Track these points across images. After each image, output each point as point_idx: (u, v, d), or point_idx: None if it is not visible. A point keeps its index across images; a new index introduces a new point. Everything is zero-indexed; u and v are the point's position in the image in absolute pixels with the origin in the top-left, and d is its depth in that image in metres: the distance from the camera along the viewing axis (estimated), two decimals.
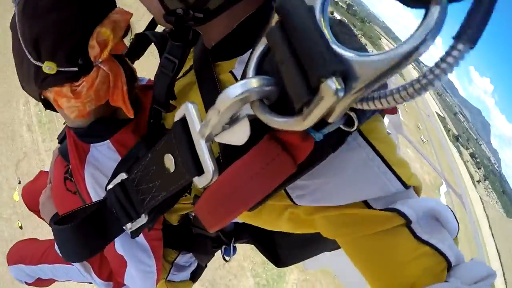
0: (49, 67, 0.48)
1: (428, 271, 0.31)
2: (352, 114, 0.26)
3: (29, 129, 16.38)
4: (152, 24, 0.56)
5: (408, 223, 0.32)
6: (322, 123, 0.24)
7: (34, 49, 0.48)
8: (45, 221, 0.90)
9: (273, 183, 0.28)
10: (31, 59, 0.49)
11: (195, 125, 0.29)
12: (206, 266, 0.92)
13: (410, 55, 0.17)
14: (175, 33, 0.43)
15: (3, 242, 11.78)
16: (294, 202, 0.36)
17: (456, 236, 0.36)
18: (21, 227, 11.87)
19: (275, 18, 0.23)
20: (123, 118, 0.60)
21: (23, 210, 12.13)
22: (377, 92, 0.20)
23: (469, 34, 0.16)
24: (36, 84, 0.52)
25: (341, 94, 0.19)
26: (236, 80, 0.39)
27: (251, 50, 0.27)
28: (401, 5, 0.19)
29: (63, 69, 0.48)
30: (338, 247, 0.41)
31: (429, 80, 0.17)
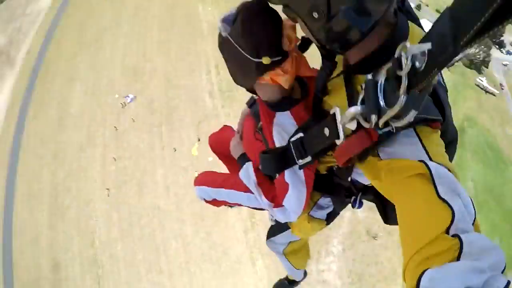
0: (266, 60, 0.83)
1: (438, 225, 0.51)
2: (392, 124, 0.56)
3: (211, 96, 16.38)
4: None
5: (430, 173, 0.56)
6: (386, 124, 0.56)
7: (254, 52, 0.83)
8: (228, 166, 1.58)
9: (364, 145, 0.63)
10: (252, 59, 0.83)
11: (338, 118, 0.66)
12: (338, 213, 1.27)
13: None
14: (325, 56, 0.76)
15: (177, 187, 11.35)
16: (380, 157, 0.68)
17: (474, 220, 0.54)
18: None
19: (392, 61, 0.52)
20: (296, 97, 0.99)
21: (199, 163, 11.45)
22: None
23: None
24: (256, 74, 0.88)
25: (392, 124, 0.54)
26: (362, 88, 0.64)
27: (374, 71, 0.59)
28: None
29: (273, 59, 0.84)
30: None
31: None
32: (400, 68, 0.49)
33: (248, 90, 1.04)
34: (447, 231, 0.50)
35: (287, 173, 1.00)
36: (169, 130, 17.41)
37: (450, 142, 0.79)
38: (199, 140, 16.35)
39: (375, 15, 0.61)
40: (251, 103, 1.23)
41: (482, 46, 29.59)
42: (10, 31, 39.86)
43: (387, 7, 0.62)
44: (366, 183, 1.01)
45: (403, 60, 0.48)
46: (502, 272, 0.45)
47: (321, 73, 0.81)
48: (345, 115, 0.63)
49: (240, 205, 1.38)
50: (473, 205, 0.56)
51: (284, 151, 0.88)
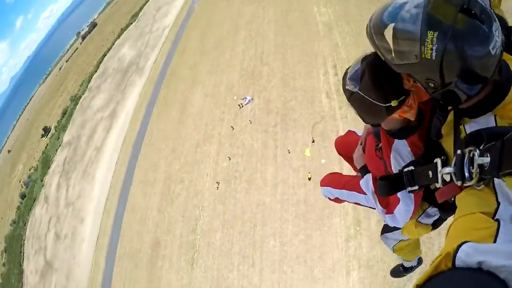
0: (395, 103, 1.52)
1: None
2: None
3: (328, 96, 24.41)
4: None
5: (493, 184, 1.07)
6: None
7: (383, 99, 1.54)
8: (353, 167, 2.66)
9: (455, 193, 1.26)
10: (382, 105, 1.56)
11: (438, 168, 1.28)
12: (445, 220, 2.04)
13: None
14: (440, 107, 1.51)
15: (286, 186, 19.32)
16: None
17: None
18: (309, 179, 18.76)
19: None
20: (413, 125, 1.72)
21: (311, 164, 18.91)
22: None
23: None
24: (387, 115, 1.62)
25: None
26: (465, 131, 1.35)
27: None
28: None
29: (399, 99, 1.53)
30: None
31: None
32: (472, 165, 1.03)
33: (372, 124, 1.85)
34: (491, 217, 0.93)
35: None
36: (284, 131, 24.25)
37: None
38: (313, 141, 22.22)
39: (482, 81, 1.11)
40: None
41: None
42: (139, 45, 61.88)
43: (492, 73, 1.12)
44: None
45: (475, 164, 1.01)
46: None
47: (435, 122, 1.50)
48: (443, 170, 1.20)
49: (358, 203, 2.43)
50: None
51: (397, 179, 1.57)
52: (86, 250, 35.31)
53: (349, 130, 3.00)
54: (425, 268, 0.86)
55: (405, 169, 1.55)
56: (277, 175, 22.68)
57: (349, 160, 2.73)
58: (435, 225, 2.11)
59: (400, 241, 2.67)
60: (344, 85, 1.72)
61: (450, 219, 1.50)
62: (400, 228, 2.31)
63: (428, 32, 1.10)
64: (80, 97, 68.41)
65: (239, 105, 28.46)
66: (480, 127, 1.21)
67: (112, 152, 40.75)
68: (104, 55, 75.03)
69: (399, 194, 1.82)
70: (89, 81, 70.86)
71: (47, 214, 47.69)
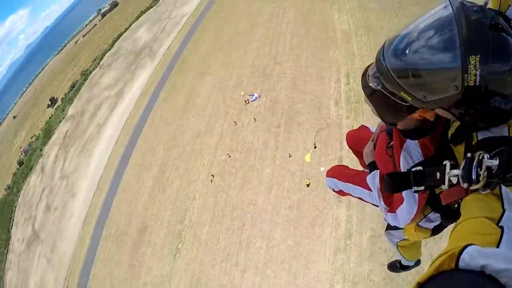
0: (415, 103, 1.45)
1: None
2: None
3: (336, 104, 23.79)
4: None
5: (500, 191, 1.06)
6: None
7: (404, 100, 1.41)
8: (361, 162, 2.84)
9: (460, 196, 1.27)
10: (404, 103, 1.47)
11: (447, 170, 1.30)
12: (446, 226, 2.08)
13: None
14: (463, 130, 1.45)
15: (280, 189, 18.63)
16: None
17: None
18: (308, 185, 18.20)
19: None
20: (427, 127, 1.71)
21: (310, 170, 18.23)
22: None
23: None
24: (408, 114, 1.61)
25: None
26: (476, 137, 1.32)
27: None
28: None
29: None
30: None
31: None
32: (480, 167, 1.06)
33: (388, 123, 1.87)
34: (496, 223, 0.93)
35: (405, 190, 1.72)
36: (286, 133, 23.79)
37: None
38: (315, 147, 21.74)
39: None
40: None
41: None
42: (156, 30, 61.67)
43: None
44: None
45: (483, 166, 1.05)
46: None
47: (456, 133, 1.49)
48: (451, 171, 1.22)
49: (361, 199, 2.47)
50: None
51: (404, 177, 1.57)
52: (73, 226, 35.05)
53: (362, 125, 3.02)
54: (421, 271, 0.85)
55: (414, 169, 1.53)
56: (273, 176, 22.21)
57: (358, 154, 2.79)
58: (435, 231, 2.16)
59: (404, 239, 2.69)
60: (365, 82, 1.68)
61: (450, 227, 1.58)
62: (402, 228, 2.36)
63: (470, 57, 1.05)
64: (91, 72, 68.29)
65: (245, 101, 28.02)
66: (493, 135, 1.23)
67: (113, 131, 40.44)
68: (120, 35, 74.91)
69: (403, 194, 1.87)
70: (101, 58, 70.74)
71: (41, 184, 47.52)
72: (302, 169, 21.44)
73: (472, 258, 0.74)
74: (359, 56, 26.23)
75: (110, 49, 71.88)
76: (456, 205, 1.69)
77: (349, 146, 3.11)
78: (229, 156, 24.97)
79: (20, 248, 41.47)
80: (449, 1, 1.17)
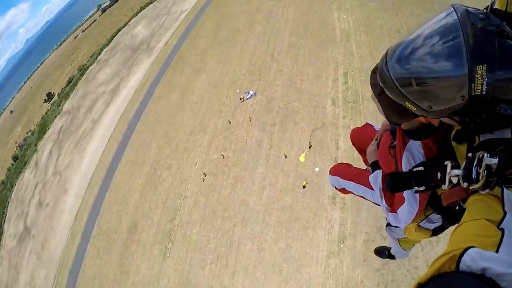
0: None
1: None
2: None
3: (333, 104, 23.11)
4: None
5: (502, 194, 1.09)
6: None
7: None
8: (364, 159, 2.81)
9: (460, 196, 1.31)
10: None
11: (448, 170, 1.32)
12: (446, 228, 2.06)
13: None
14: (464, 134, 1.45)
15: (273, 189, 17.95)
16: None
17: None
18: (304, 186, 17.59)
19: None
20: (430, 129, 1.71)
21: (304, 171, 17.57)
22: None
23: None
24: (414, 117, 1.55)
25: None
26: (479, 139, 1.30)
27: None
28: None
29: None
30: None
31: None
32: (480, 166, 1.07)
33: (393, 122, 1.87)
34: (496, 226, 0.94)
35: (406, 190, 1.74)
36: (281, 132, 23.25)
37: None
38: (310, 147, 21.20)
39: None
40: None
41: None
42: (154, 26, 61.05)
43: None
44: None
45: (483, 164, 1.06)
46: None
47: (458, 131, 1.50)
48: (452, 171, 1.24)
49: (363, 197, 2.49)
50: None
51: (406, 177, 1.59)
52: (64, 222, 34.53)
53: (366, 123, 2.99)
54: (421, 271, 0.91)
55: (415, 169, 1.55)
56: (266, 176, 21.67)
57: (362, 152, 2.82)
58: (436, 232, 2.18)
59: (405, 237, 2.69)
60: (374, 80, 1.64)
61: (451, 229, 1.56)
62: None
63: (477, 67, 1.04)
64: (88, 68, 67.63)
65: (240, 98, 27.49)
66: (494, 137, 1.23)
67: (107, 128, 39.84)
68: (119, 30, 74.32)
69: (405, 195, 1.89)
70: (99, 53, 70.10)
71: (35, 180, 46.96)
72: (296, 169, 20.89)
73: (473, 260, 0.74)
74: (358, 55, 25.75)
75: (108, 44, 71.28)
76: (457, 207, 1.68)
77: (353, 144, 3.11)
78: (223, 157, 24.43)
79: (12, 244, 40.97)
80: (453, 8, 1.16)
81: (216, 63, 34.23)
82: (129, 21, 75.37)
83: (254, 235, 20.00)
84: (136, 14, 76.52)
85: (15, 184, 52.67)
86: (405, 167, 1.81)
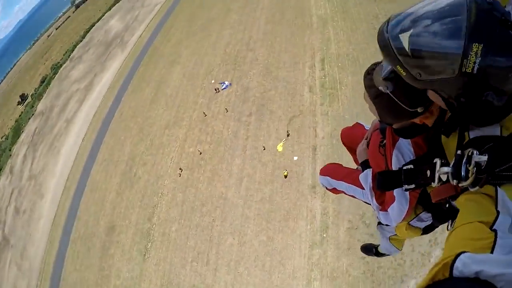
0: (421, 109, 1.48)
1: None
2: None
3: (311, 90, 22.36)
4: None
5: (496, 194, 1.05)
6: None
7: (412, 106, 1.47)
8: (354, 158, 2.69)
9: (450, 193, 1.35)
10: (409, 109, 1.49)
11: (437, 168, 1.24)
12: (437, 227, 2.07)
13: None
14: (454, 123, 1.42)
15: (251, 181, 17.09)
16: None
17: None
18: (286, 176, 16.85)
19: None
20: (420, 128, 1.66)
21: (282, 160, 16.73)
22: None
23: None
24: (409, 119, 1.58)
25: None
26: (468, 136, 1.30)
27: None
28: None
29: (424, 107, 1.47)
30: None
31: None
32: (469, 163, 1.07)
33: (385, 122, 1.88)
34: (489, 227, 0.93)
35: (396, 189, 1.70)
36: (258, 121, 22.54)
37: None
38: (288, 135, 20.57)
39: (509, 91, 1.12)
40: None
41: None
42: (128, 19, 58.94)
43: None
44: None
45: (472, 161, 1.06)
46: None
47: (447, 123, 1.49)
48: (441, 169, 1.23)
49: (354, 197, 2.48)
50: None
51: (396, 175, 1.57)
52: (42, 229, 33.19)
53: (356, 122, 2.94)
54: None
55: (405, 167, 1.55)
56: (243, 168, 21.00)
57: (352, 152, 2.74)
58: (426, 231, 2.16)
59: (396, 234, 2.60)
60: (369, 82, 1.61)
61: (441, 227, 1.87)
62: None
63: (473, 44, 1.04)
64: (61, 66, 65.03)
65: (215, 89, 26.62)
66: (484, 134, 1.23)
67: (81, 126, 38.24)
68: (93, 25, 71.67)
69: (395, 193, 1.90)
70: (72, 50, 67.45)
71: (10, 186, 44.94)
72: (274, 159, 20.25)
73: (466, 265, 0.75)
74: (335, 41, 25.24)
75: (81, 41, 68.64)
76: (447, 205, 1.64)
77: (343, 143, 3.02)
78: (200, 153, 23.59)
79: None
80: None
81: (191, 55, 33.09)
82: (103, 15, 72.82)
83: (234, 229, 19.37)
84: (110, 8, 73.98)
85: None
86: (395, 166, 1.81)
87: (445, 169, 1.20)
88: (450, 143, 1.44)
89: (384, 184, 1.65)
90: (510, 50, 1.04)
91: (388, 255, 3.34)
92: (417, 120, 1.58)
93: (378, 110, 1.69)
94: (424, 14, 1.14)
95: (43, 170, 39.29)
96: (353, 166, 2.84)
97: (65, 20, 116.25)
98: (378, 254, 3.49)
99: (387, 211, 2.06)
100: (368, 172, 2.21)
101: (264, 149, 20.98)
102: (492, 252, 0.82)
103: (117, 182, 26.93)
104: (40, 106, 57.21)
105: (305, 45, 25.98)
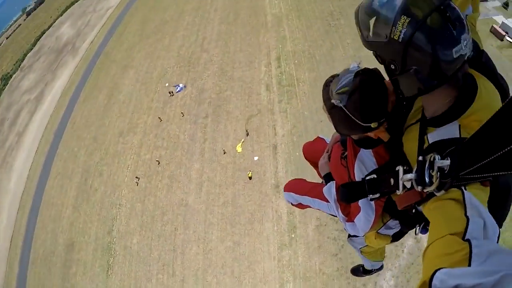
0: (374, 125, 1.40)
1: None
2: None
3: (268, 89, 20.24)
4: None
5: (463, 198, 0.97)
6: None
7: (365, 120, 1.39)
8: (318, 173, 2.30)
9: (415, 199, 1.17)
10: (362, 124, 1.40)
11: (400, 176, 1.19)
12: (406, 233, 1.96)
13: None
14: (403, 98, 1.42)
15: (212, 185, 14.67)
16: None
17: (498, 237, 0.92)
18: (250, 178, 14.46)
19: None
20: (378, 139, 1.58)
21: (242, 162, 14.52)
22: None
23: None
24: (363, 133, 1.49)
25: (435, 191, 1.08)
26: (428, 141, 1.25)
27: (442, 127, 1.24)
28: None
29: (378, 123, 1.41)
30: None
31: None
32: (432, 168, 1.02)
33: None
34: (462, 238, 0.85)
35: (361, 199, 1.59)
36: (215, 123, 20.69)
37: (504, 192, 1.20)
38: (247, 135, 18.93)
39: (438, 78, 1.12)
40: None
41: None
42: (80, 24, 53.66)
43: (452, 74, 1.12)
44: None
45: (435, 166, 1.00)
46: None
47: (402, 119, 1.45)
48: (404, 176, 1.16)
49: (320, 210, 2.24)
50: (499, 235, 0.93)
51: (359, 186, 1.46)
52: (0, 251, 28.98)
53: (318, 137, 2.71)
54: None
55: (368, 177, 1.46)
56: (203, 172, 19.14)
57: (315, 166, 2.50)
58: (396, 237, 2.03)
59: (367, 245, 2.45)
60: (326, 94, 1.52)
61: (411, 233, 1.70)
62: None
63: (402, 16, 1.09)
64: (11, 76, 58.11)
65: (169, 92, 24.31)
66: (443, 137, 1.19)
67: (33, 139, 33.75)
68: (43, 33, 64.66)
69: (360, 203, 1.74)
70: (22, 60, 60.47)
71: None
72: (234, 161, 18.59)
73: (443, 281, 0.71)
74: (290, 39, 24.03)
75: (32, 49, 61.71)
76: (413, 210, 1.53)
77: (306, 158, 2.73)
78: (158, 163, 21.27)
79: None
80: None
81: (144, 58, 30.24)
82: (54, 22, 65.91)
83: (198, 237, 17.55)
84: (61, 14, 67.20)
85: None
86: (358, 176, 1.65)
87: (409, 176, 1.13)
88: (411, 150, 1.33)
89: (348, 195, 1.56)
90: (438, 35, 1.06)
91: (377, 269, 3.10)
92: (371, 135, 1.50)
93: (334, 122, 1.55)
94: None
95: None
96: (318, 179, 2.40)
97: (16, 28, 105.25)
98: (367, 272, 3.26)
99: (353, 222, 1.84)
100: (332, 185, 1.97)
101: (224, 153, 19.22)
102: (470, 264, 0.74)
103: (73, 195, 23.78)
104: None
105: (260, 44, 24.54)
